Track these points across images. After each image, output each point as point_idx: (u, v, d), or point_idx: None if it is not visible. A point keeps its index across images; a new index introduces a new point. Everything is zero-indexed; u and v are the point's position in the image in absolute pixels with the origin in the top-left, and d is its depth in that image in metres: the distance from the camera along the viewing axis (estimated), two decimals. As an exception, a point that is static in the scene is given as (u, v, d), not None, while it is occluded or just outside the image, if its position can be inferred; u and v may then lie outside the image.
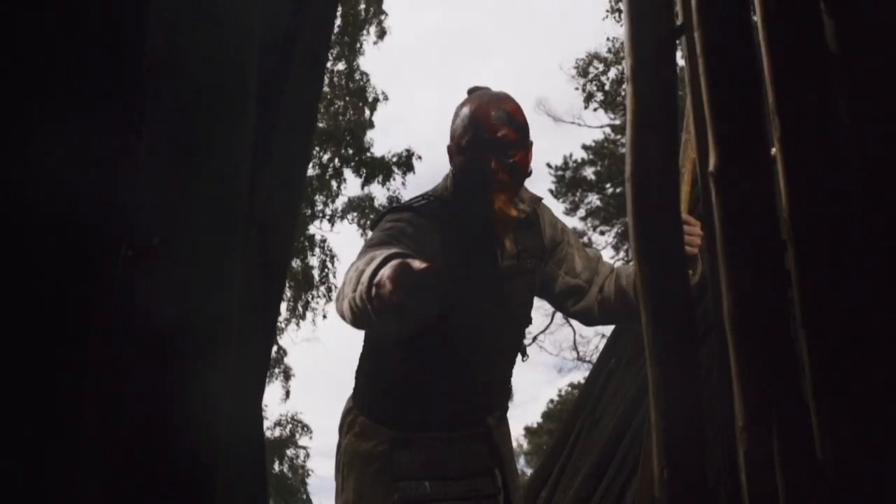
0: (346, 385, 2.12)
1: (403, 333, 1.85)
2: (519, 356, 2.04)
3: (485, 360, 1.95)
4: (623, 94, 13.07)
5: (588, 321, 2.11)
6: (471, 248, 1.90)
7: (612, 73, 15.26)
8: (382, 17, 13.40)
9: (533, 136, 1.95)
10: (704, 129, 1.29)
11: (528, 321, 2.07)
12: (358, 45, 13.37)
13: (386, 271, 1.43)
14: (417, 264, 1.38)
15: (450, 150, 1.95)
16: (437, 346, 1.84)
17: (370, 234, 1.97)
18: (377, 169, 13.41)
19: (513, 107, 1.92)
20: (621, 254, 15.52)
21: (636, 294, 1.60)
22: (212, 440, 1.37)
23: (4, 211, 1.15)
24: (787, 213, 1.15)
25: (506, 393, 2.07)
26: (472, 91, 2.00)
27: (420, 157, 13.42)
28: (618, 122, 15.36)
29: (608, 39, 14.94)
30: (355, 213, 13.99)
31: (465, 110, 1.92)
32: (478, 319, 1.89)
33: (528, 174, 1.95)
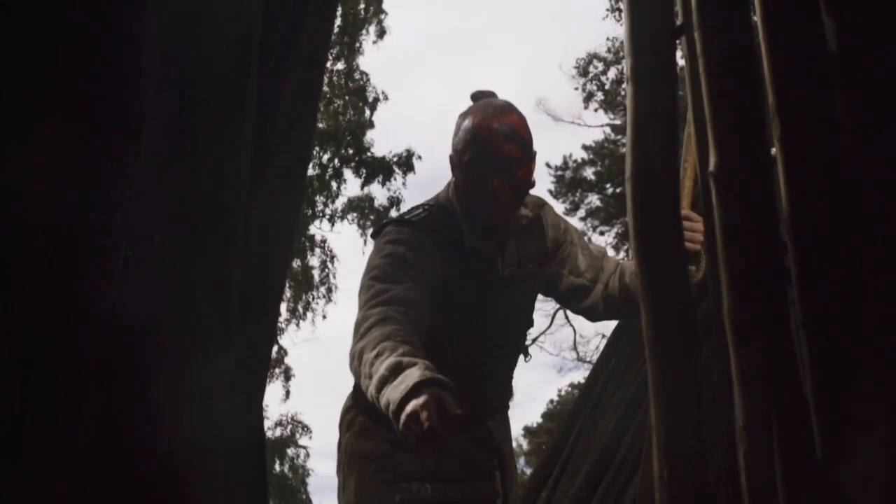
0: (346, 385, 2.12)
1: None
2: (521, 357, 2.04)
3: (486, 364, 1.95)
4: (623, 94, 13.06)
5: (593, 317, 2.10)
6: (472, 257, 1.90)
7: (612, 72, 15.26)
8: (382, 17, 13.40)
9: (533, 135, 1.87)
10: (704, 129, 1.29)
11: (530, 324, 2.07)
12: (358, 45, 13.36)
13: (423, 414, 1.40)
14: (451, 404, 1.37)
15: (451, 160, 1.90)
16: (439, 351, 1.84)
17: (371, 244, 1.97)
18: (377, 169, 13.41)
19: (516, 120, 1.84)
20: (621, 254, 15.51)
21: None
22: (212, 440, 1.37)
23: (4, 211, 1.15)
24: (787, 213, 1.15)
25: (507, 394, 2.07)
26: (475, 97, 1.94)
27: (420, 157, 13.41)
28: (618, 122, 15.35)
29: (608, 39, 14.94)
30: (355, 214, 13.98)
31: (467, 123, 1.84)
32: (479, 326, 1.89)
33: (532, 185, 1.91)
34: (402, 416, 1.42)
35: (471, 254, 1.87)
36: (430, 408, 1.37)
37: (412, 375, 1.47)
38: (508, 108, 1.86)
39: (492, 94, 1.94)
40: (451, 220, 1.89)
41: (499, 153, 1.79)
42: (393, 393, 1.46)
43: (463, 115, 1.88)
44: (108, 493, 1.21)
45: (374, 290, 1.73)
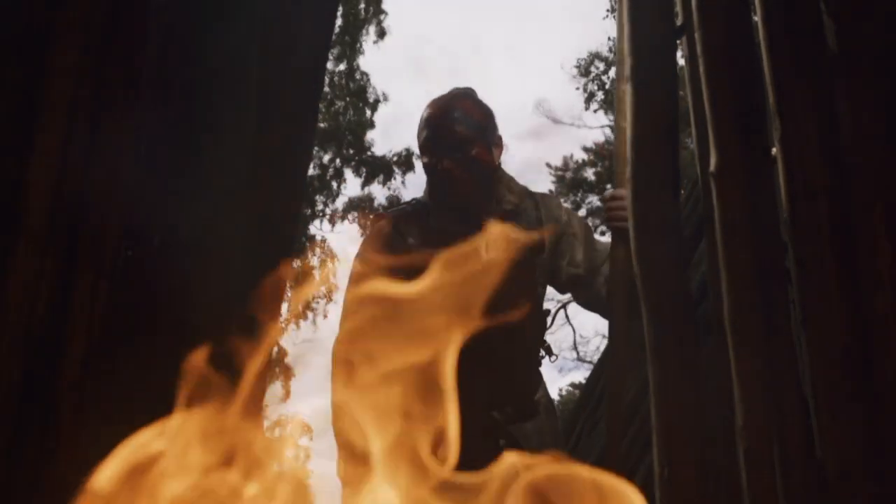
0: (346, 385, 2.13)
1: None
2: (545, 355, 2.06)
3: (484, 352, 1.95)
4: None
5: (605, 314, 2.08)
6: (448, 242, 1.92)
7: (613, 73, 15.25)
8: (382, 17, 13.39)
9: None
10: (705, 129, 1.29)
11: (536, 312, 2.06)
12: (358, 45, 13.34)
13: None
14: None
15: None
16: None
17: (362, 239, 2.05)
18: (377, 168, 13.41)
19: (468, 104, 1.95)
20: (622, 254, 15.46)
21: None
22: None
23: (6, 211, 1.15)
24: (787, 213, 1.15)
25: (519, 386, 2.05)
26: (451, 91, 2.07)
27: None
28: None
29: (609, 39, 14.92)
30: (356, 214, 13.98)
31: (425, 112, 1.98)
32: None
33: (497, 167, 1.98)
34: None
35: (446, 238, 1.89)
36: None
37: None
38: (464, 95, 1.99)
39: (461, 90, 2.04)
40: (425, 207, 1.97)
41: (446, 133, 1.90)
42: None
43: (425, 106, 2.02)
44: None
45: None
